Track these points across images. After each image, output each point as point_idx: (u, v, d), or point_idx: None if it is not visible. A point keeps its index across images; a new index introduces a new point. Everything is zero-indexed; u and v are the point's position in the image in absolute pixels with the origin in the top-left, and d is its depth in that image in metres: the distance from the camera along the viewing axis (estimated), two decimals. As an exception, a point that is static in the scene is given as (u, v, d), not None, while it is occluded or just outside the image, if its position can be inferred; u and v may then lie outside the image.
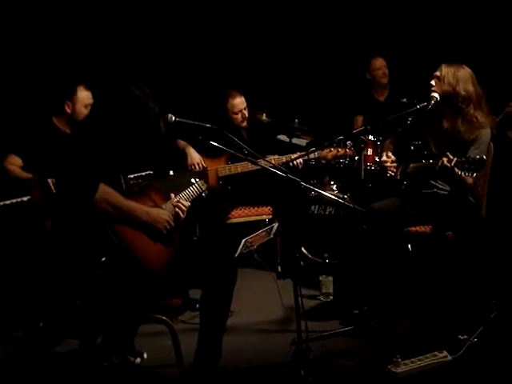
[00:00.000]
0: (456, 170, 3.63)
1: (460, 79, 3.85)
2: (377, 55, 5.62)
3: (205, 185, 3.43)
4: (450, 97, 3.86)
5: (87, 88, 4.18)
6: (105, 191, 2.79)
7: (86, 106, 4.15)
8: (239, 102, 4.77)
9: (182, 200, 3.15)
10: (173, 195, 3.14)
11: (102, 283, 2.80)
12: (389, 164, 4.04)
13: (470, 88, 3.86)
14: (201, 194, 3.40)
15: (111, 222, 2.79)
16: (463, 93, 3.83)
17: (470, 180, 3.79)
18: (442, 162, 3.65)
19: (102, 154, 2.86)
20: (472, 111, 3.83)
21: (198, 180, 3.37)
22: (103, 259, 2.76)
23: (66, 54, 4.99)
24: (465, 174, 3.60)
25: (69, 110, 4.14)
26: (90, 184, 2.75)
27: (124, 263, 2.77)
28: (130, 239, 2.82)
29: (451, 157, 3.63)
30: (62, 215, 2.92)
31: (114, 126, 2.91)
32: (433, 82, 3.91)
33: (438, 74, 3.91)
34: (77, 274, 2.89)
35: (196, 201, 3.32)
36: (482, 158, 3.54)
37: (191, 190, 3.33)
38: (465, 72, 3.89)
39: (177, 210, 3.09)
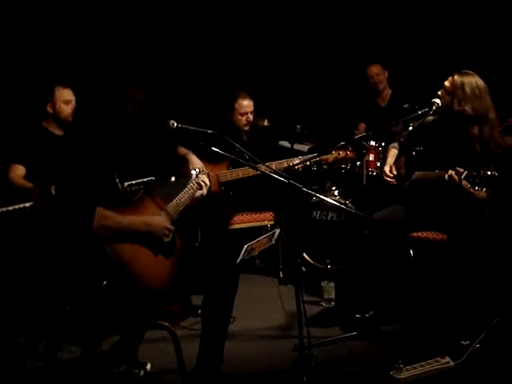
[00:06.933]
0: (464, 183, 3.54)
1: (470, 97, 3.63)
2: (377, 61, 5.63)
3: (205, 173, 3.37)
4: (457, 113, 3.70)
5: (64, 86, 4.32)
6: (102, 216, 2.72)
7: (65, 103, 4.27)
8: (247, 104, 4.80)
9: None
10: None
11: (105, 304, 2.78)
12: (389, 180, 4.01)
13: (483, 106, 3.66)
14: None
15: (110, 243, 2.74)
16: (473, 112, 3.65)
17: (481, 194, 3.58)
18: (450, 174, 3.58)
19: (94, 164, 2.81)
20: (488, 131, 3.67)
21: (197, 170, 3.33)
22: (104, 283, 2.74)
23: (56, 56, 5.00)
24: (475, 188, 3.49)
25: (50, 111, 4.25)
26: (86, 216, 2.69)
27: (125, 285, 2.74)
28: (131, 260, 2.78)
29: (461, 170, 3.54)
30: (60, 240, 2.88)
31: (99, 131, 2.91)
32: (439, 93, 3.77)
33: (447, 84, 3.72)
34: (77, 289, 2.87)
35: (198, 206, 3.30)
36: (493, 175, 3.44)
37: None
38: (478, 86, 3.66)
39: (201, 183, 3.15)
